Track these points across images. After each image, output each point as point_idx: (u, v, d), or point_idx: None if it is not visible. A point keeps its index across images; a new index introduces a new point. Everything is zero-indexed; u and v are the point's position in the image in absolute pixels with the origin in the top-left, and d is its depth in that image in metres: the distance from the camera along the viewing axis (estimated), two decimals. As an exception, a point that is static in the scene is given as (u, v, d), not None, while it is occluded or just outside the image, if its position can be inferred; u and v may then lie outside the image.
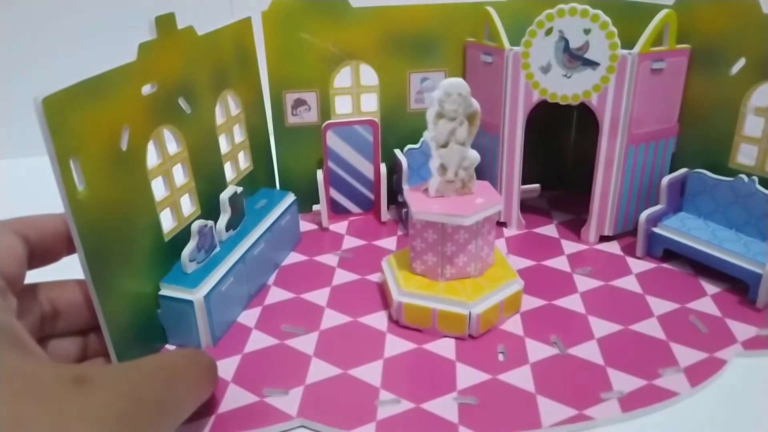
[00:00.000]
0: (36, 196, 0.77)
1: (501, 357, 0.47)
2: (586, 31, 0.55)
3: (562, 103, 0.59)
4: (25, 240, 0.39)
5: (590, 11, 0.54)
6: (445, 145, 0.48)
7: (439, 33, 0.66)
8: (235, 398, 0.43)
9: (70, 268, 0.44)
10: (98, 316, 0.42)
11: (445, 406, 0.42)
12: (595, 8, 0.54)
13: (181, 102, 0.50)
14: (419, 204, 0.49)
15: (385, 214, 0.69)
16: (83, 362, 0.44)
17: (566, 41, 0.56)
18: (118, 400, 0.30)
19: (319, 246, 0.64)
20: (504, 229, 0.67)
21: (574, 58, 0.57)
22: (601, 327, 0.50)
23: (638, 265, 0.59)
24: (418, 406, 0.42)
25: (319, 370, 0.46)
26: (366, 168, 0.67)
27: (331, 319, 0.52)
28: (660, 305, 0.52)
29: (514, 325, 0.50)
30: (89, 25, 0.93)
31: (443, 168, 0.49)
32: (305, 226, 0.69)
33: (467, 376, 0.45)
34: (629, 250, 0.61)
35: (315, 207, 0.71)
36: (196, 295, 0.46)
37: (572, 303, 0.53)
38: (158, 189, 0.48)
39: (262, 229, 0.57)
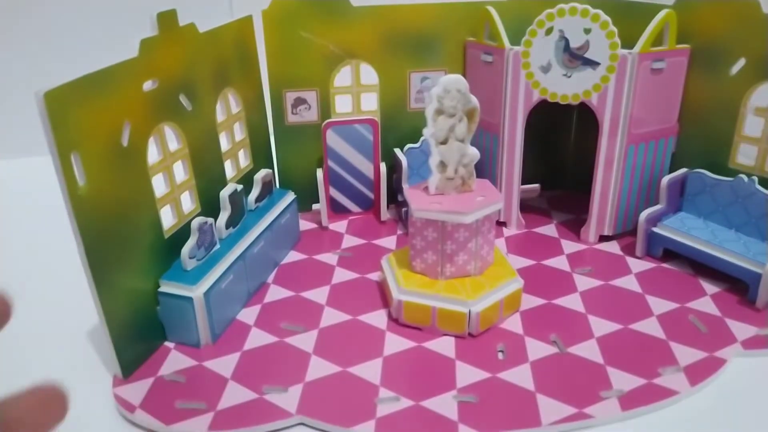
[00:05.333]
0: (36, 196, 0.77)
1: (500, 356, 0.47)
2: (587, 31, 0.55)
3: (562, 102, 0.59)
4: None
5: (590, 11, 0.54)
6: (444, 142, 0.48)
7: (439, 32, 0.66)
8: (234, 395, 0.43)
9: (70, 266, 0.44)
10: (98, 312, 0.42)
11: (444, 404, 0.42)
12: (595, 8, 0.55)
13: (182, 99, 0.50)
14: (419, 202, 0.49)
15: (385, 214, 0.69)
16: None
17: (566, 41, 0.56)
18: None
19: (318, 245, 0.64)
20: (504, 228, 0.67)
21: (575, 57, 0.57)
22: (601, 326, 0.50)
23: (638, 265, 0.59)
24: (417, 404, 0.42)
25: (319, 368, 0.46)
26: (366, 167, 0.68)
27: (331, 317, 0.52)
28: (660, 305, 0.52)
29: (513, 323, 0.50)
30: (91, 21, 0.93)
31: (443, 165, 0.49)
32: (305, 225, 0.69)
33: (467, 374, 0.45)
34: (629, 250, 0.61)
35: (315, 206, 0.71)
36: (196, 293, 0.46)
37: (572, 302, 0.53)
38: (159, 186, 0.48)
39: (262, 227, 0.57)
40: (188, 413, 0.41)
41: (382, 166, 0.67)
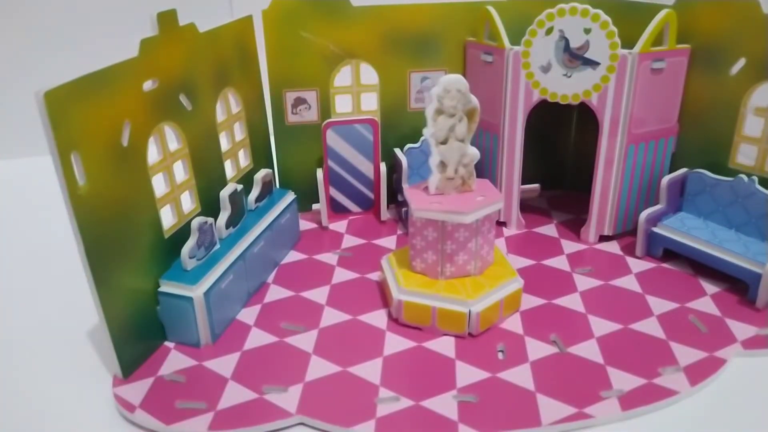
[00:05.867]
0: (36, 196, 0.78)
1: (500, 355, 0.47)
2: (587, 31, 0.55)
3: (562, 102, 0.59)
4: None
5: (590, 11, 0.54)
6: (444, 142, 0.48)
7: (439, 32, 0.66)
8: (234, 395, 0.43)
9: (70, 266, 0.44)
10: (98, 312, 0.42)
11: (444, 404, 0.42)
12: (595, 8, 0.55)
13: (182, 99, 0.50)
14: (419, 201, 0.49)
15: (385, 214, 0.69)
16: None
17: (566, 41, 0.56)
18: None
19: (318, 245, 0.64)
20: (504, 228, 0.67)
21: (575, 57, 0.57)
22: (601, 326, 0.50)
23: (638, 265, 0.59)
24: (417, 404, 0.42)
25: (319, 368, 0.46)
26: (366, 167, 0.68)
27: (331, 317, 0.52)
28: (660, 305, 0.52)
29: (513, 323, 0.50)
30: (91, 21, 0.93)
31: (443, 165, 0.49)
32: (305, 225, 0.69)
33: (467, 374, 0.45)
34: (629, 250, 0.61)
35: (315, 206, 0.71)
36: (196, 292, 0.46)
37: (572, 302, 0.53)
38: (159, 185, 0.48)
39: (262, 227, 0.57)
40: (188, 413, 0.41)
41: (382, 166, 0.67)
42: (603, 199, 0.61)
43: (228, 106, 0.59)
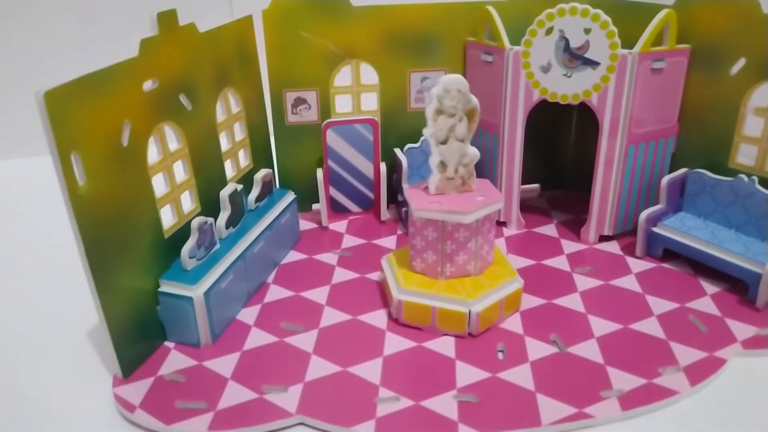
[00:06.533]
0: (36, 196, 0.78)
1: (500, 355, 0.47)
2: (587, 31, 0.55)
3: (562, 102, 0.59)
4: None
5: (591, 11, 0.54)
6: (444, 142, 0.48)
7: (439, 32, 0.66)
8: (234, 395, 0.43)
9: (70, 266, 0.44)
10: (98, 312, 0.42)
11: (444, 404, 0.42)
12: (595, 8, 0.55)
13: (182, 99, 0.50)
14: (419, 201, 0.49)
15: (385, 214, 0.69)
16: None
17: (567, 41, 0.56)
18: None
19: (318, 245, 0.64)
20: (504, 228, 0.67)
21: (575, 57, 0.57)
22: (601, 326, 0.50)
23: (638, 265, 0.59)
24: (417, 404, 0.42)
25: (319, 368, 0.46)
26: (366, 167, 0.68)
27: (331, 317, 0.52)
28: (660, 305, 0.52)
29: (513, 323, 0.50)
30: (91, 21, 0.93)
31: (443, 165, 0.49)
32: (305, 225, 0.69)
33: (467, 374, 0.45)
34: (629, 250, 0.61)
35: (315, 206, 0.71)
36: (196, 292, 0.46)
37: (572, 302, 0.53)
38: (159, 185, 0.48)
39: (262, 227, 0.57)
40: (188, 413, 0.41)
41: (382, 166, 0.67)
42: (603, 199, 0.61)
43: (228, 106, 0.59)
